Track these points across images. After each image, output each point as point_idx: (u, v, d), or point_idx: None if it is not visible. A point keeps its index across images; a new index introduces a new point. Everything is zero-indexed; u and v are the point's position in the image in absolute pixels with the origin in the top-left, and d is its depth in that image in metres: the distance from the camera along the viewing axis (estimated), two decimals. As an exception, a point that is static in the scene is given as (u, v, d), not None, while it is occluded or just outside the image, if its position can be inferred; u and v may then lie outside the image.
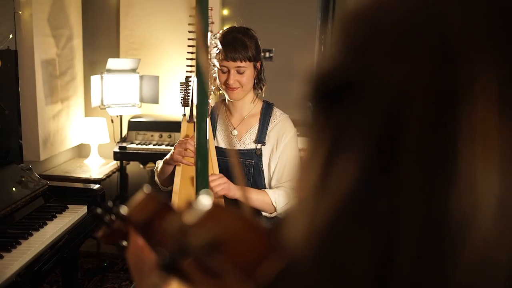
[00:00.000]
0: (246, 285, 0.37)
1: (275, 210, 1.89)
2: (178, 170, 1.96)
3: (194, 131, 1.66)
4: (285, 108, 2.03)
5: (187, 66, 1.64)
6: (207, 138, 1.46)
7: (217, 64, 1.68)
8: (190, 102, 1.80)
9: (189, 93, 1.78)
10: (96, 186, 2.21)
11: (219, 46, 1.54)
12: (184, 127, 2.07)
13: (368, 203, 0.29)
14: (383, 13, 0.32)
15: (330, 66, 0.33)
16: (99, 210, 0.79)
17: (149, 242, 0.68)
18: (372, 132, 0.29)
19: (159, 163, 2.09)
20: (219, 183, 1.77)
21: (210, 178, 1.73)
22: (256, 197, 1.86)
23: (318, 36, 3.61)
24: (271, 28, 3.47)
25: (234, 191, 1.84)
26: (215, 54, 1.60)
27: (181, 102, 1.85)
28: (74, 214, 2.03)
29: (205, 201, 0.47)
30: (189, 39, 1.59)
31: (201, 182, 1.50)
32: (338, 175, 0.30)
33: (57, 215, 2.00)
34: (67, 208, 2.07)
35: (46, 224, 1.91)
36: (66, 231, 1.92)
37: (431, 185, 0.27)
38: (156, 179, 2.11)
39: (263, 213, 1.90)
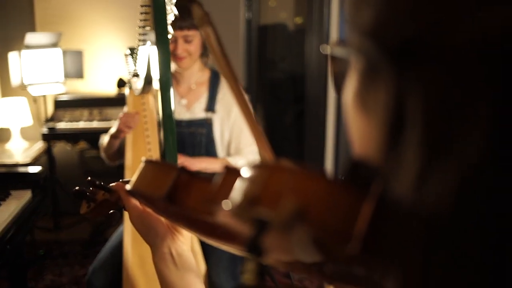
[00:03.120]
0: (346, 248, 0.34)
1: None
2: (129, 144, 1.91)
3: (157, 101, 1.62)
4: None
5: (139, 34, 1.58)
6: (173, 108, 1.44)
7: (172, 31, 1.64)
8: (141, 74, 1.74)
9: (138, 64, 1.72)
10: (38, 169, 2.09)
11: (175, 12, 1.50)
12: (130, 100, 2.00)
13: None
14: None
15: (395, 19, 0.32)
16: (77, 187, 0.79)
17: (175, 215, 0.65)
18: (492, 92, 0.28)
19: (104, 138, 2.03)
20: (179, 162, 1.76)
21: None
22: (218, 166, 1.87)
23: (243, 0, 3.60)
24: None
25: (196, 164, 1.84)
26: (170, 21, 1.55)
27: (129, 74, 1.78)
28: (19, 200, 1.91)
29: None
30: (142, 5, 1.53)
31: (170, 155, 1.48)
32: (468, 138, 0.29)
33: (1, 202, 1.86)
34: (10, 194, 1.94)
35: (-9, 213, 1.78)
36: (14, 219, 1.80)
37: None
38: (102, 154, 2.05)
39: None
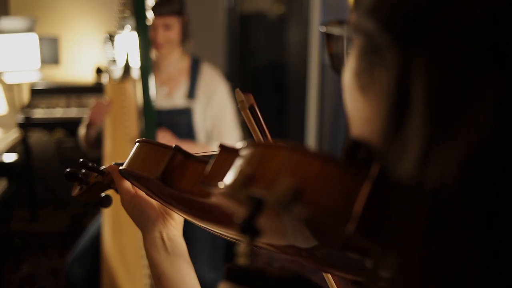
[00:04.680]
0: (344, 230, 0.33)
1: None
2: (108, 132, 1.88)
3: (138, 89, 1.58)
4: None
5: (118, 20, 1.54)
6: (153, 96, 1.41)
7: (151, 17, 1.60)
8: (120, 61, 1.70)
9: (117, 50, 1.68)
10: (14, 157, 2.04)
11: (156, -4, 1.46)
12: (109, 88, 1.96)
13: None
14: None
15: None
16: (69, 169, 0.77)
17: (168, 197, 0.63)
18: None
19: (82, 129, 2.00)
20: (165, 139, 1.75)
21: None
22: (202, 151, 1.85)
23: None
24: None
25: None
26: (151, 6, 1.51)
27: (108, 61, 1.74)
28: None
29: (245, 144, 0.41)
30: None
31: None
32: (472, 116, 0.28)
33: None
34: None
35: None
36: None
37: None
38: (82, 144, 2.01)
39: None
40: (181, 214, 0.67)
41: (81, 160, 0.77)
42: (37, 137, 3.38)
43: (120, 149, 1.83)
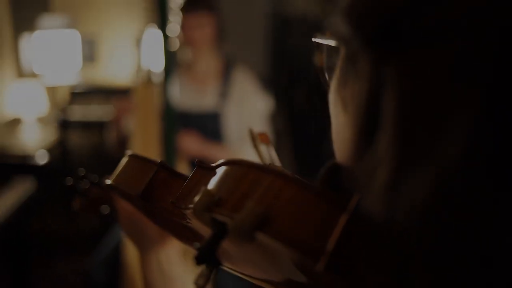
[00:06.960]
0: (316, 266, 0.29)
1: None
2: (137, 134, 1.84)
3: (162, 90, 1.54)
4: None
5: (145, 18, 1.49)
6: (175, 97, 1.35)
7: (178, 18, 1.55)
8: (147, 61, 1.65)
9: (145, 50, 1.63)
10: (45, 158, 2.04)
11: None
12: (137, 89, 1.92)
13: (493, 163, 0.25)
14: None
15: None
16: (69, 180, 0.74)
17: (150, 212, 0.59)
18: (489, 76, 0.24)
19: (110, 129, 1.97)
20: (192, 141, 1.70)
21: (183, 136, 1.65)
22: (231, 155, 1.78)
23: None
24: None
25: (206, 150, 1.76)
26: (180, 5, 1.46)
27: (139, 63, 1.70)
28: (24, 188, 1.87)
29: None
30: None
31: (168, 145, 1.40)
32: (446, 140, 0.25)
33: (5, 189, 1.82)
34: (16, 182, 1.90)
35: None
36: (18, 207, 1.75)
37: None
38: (110, 143, 2.00)
39: None
40: (170, 234, 0.64)
41: (81, 172, 0.73)
42: (74, 137, 3.42)
43: (148, 152, 1.78)
